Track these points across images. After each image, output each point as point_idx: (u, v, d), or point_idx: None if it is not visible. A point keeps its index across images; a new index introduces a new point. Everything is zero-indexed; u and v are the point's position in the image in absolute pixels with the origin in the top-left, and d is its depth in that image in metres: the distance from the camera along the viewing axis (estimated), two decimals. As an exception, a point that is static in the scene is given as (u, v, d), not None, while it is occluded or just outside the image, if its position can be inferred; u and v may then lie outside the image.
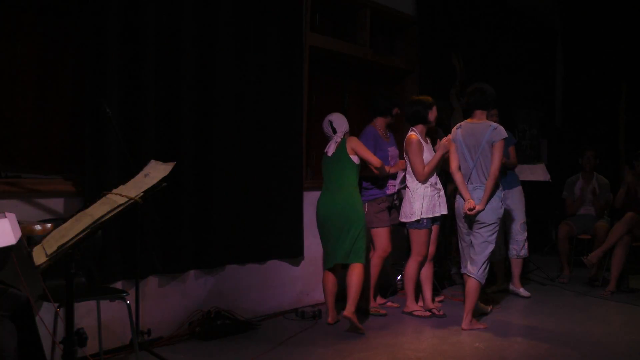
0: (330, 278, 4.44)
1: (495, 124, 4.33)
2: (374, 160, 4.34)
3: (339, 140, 4.38)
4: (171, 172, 2.49)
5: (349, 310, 4.15)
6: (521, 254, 5.54)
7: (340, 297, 4.46)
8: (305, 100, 4.92)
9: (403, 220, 4.66)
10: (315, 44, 5.12)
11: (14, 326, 2.16)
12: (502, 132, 4.28)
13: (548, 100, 8.71)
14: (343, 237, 4.25)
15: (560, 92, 8.88)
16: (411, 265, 4.65)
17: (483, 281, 4.38)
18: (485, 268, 4.35)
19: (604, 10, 8.21)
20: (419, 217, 4.55)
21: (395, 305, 5.05)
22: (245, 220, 4.38)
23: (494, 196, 4.28)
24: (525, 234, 5.56)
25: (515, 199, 5.54)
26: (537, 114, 8.14)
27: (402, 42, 6.30)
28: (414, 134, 4.63)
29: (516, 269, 5.57)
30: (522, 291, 5.54)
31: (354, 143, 4.35)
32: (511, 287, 5.61)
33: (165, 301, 3.96)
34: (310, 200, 4.95)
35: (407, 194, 4.65)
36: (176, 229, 3.94)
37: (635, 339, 4.21)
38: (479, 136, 4.29)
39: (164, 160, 2.65)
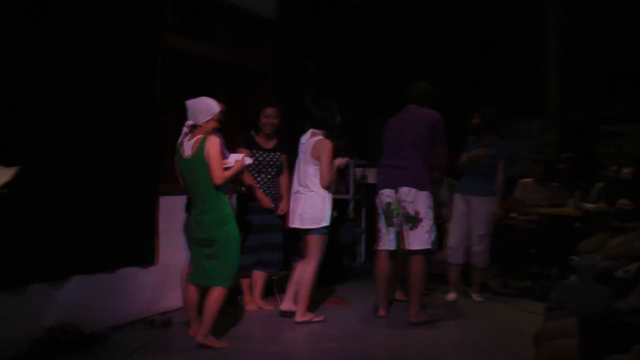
0: None
1: None
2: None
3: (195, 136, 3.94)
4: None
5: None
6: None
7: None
8: (159, 103, 4.77)
9: (308, 226, 4.53)
10: (174, 46, 5.01)
11: None
12: None
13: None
14: None
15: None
16: (309, 271, 4.58)
17: None
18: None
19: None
20: (327, 224, 4.51)
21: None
22: (93, 229, 4.20)
23: None
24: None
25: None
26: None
27: (264, 47, 6.35)
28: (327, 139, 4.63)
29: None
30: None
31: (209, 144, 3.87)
32: None
33: (2, 320, 3.69)
34: (167, 205, 4.85)
35: (312, 199, 4.54)
36: (14, 240, 3.69)
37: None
38: None
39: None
